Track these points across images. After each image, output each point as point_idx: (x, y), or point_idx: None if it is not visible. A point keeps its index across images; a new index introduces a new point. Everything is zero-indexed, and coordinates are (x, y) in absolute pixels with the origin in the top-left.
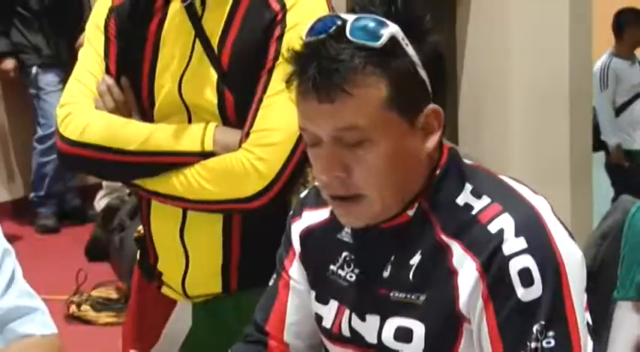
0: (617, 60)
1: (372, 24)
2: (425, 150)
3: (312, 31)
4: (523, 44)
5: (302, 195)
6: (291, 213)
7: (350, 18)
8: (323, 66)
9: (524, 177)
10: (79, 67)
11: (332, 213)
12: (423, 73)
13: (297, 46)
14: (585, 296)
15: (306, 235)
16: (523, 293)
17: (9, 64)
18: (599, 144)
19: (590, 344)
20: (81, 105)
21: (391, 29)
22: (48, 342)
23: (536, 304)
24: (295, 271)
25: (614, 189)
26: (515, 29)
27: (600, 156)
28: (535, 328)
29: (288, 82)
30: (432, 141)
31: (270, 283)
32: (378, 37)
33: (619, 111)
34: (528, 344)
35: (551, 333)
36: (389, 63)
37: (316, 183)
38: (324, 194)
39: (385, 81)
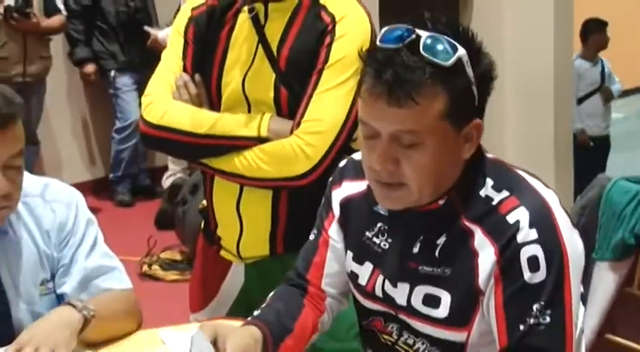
0: (581, 61)
1: (444, 45)
2: (462, 155)
3: (386, 38)
4: (515, 45)
5: (340, 164)
6: (331, 179)
7: (423, 34)
8: (398, 74)
9: (516, 159)
10: (162, 65)
11: (369, 186)
12: (475, 91)
13: (370, 49)
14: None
15: (346, 203)
16: (529, 277)
17: (89, 68)
18: None
19: (581, 310)
20: (161, 96)
21: (460, 52)
22: (125, 295)
23: (540, 287)
24: (334, 232)
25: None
26: (508, 33)
27: None
28: (535, 307)
29: (360, 79)
30: (469, 149)
31: (311, 238)
32: (448, 58)
33: (579, 101)
34: (527, 319)
35: (548, 312)
36: (452, 81)
37: (356, 157)
38: (368, 178)
39: (446, 96)
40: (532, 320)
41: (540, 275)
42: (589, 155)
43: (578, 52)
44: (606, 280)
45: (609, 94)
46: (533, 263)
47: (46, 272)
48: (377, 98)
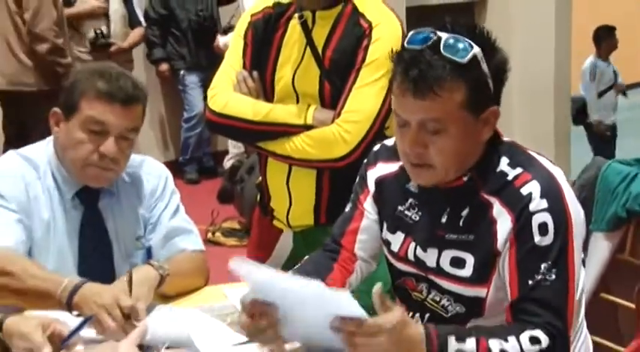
0: (599, 61)
1: (461, 44)
2: (481, 138)
3: (412, 40)
4: (521, 49)
5: (375, 148)
6: (366, 161)
7: (443, 36)
8: (422, 71)
9: (522, 144)
10: (225, 63)
11: (401, 167)
12: (490, 83)
13: (399, 50)
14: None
15: (381, 182)
16: (539, 240)
17: (164, 66)
18: (582, 121)
19: (582, 272)
20: (224, 89)
21: (475, 50)
22: (197, 256)
23: (547, 249)
24: (369, 205)
25: (594, 154)
26: (515, 36)
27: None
28: (543, 266)
29: (391, 77)
30: (487, 132)
31: (347, 209)
32: (464, 56)
33: (599, 95)
34: (536, 276)
35: (554, 270)
36: (469, 75)
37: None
38: (402, 160)
39: (464, 88)
40: (539, 277)
41: (548, 239)
42: (604, 141)
43: (593, 54)
44: (601, 248)
45: (622, 89)
46: (542, 228)
47: (140, 229)
48: (405, 92)
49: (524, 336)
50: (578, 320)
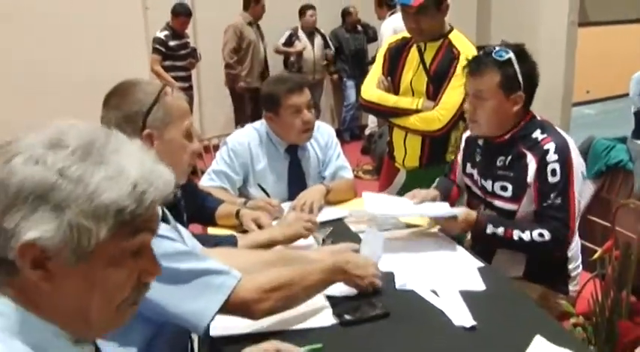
0: None
1: (503, 52)
2: (511, 111)
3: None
4: (542, 71)
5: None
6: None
7: (496, 48)
8: (478, 62)
9: None
10: (371, 71)
11: None
12: (519, 76)
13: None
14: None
15: (467, 139)
16: (550, 179)
17: (335, 76)
18: None
19: (582, 201)
20: (370, 86)
21: (510, 55)
22: (350, 182)
23: (556, 185)
24: (460, 155)
25: None
26: (539, 64)
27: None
28: (552, 194)
29: (464, 69)
30: (515, 108)
31: (453, 158)
32: (502, 56)
33: None
34: (548, 200)
35: (560, 197)
36: (504, 68)
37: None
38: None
39: (499, 75)
40: (550, 201)
41: (556, 179)
42: None
43: None
44: (589, 188)
45: None
46: (553, 172)
47: (320, 168)
48: (468, 75)
49: (535, 232)
50: (576, 229)
